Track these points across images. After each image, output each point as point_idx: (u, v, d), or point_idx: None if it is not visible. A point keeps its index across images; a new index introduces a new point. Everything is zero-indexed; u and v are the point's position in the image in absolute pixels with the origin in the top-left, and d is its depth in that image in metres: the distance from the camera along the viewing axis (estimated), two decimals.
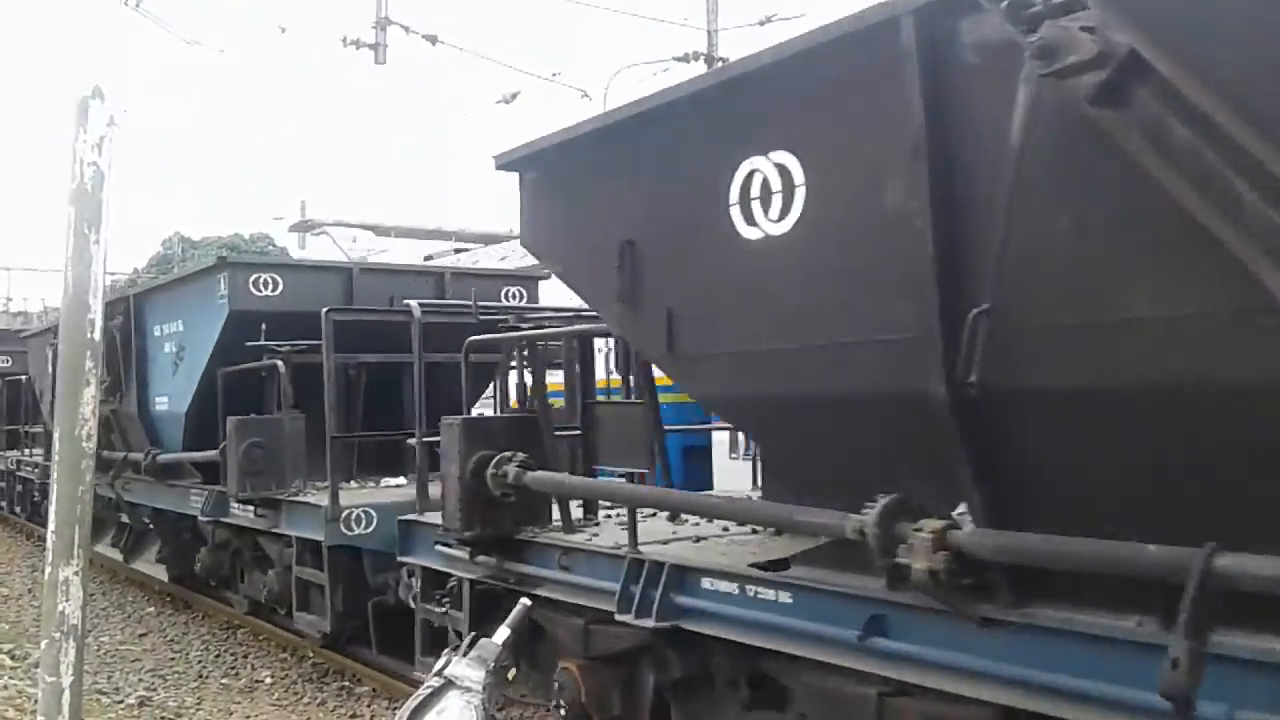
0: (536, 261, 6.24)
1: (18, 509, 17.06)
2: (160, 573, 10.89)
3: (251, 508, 8.14)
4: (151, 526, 10.86)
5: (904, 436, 3.38)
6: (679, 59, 16.52)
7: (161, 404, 9.82)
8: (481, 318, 6.83)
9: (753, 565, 4.20)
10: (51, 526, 5.07)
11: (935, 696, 3.41)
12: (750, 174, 3.67)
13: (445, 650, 5.03)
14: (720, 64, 15.41)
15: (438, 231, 33.95)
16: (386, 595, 6.97)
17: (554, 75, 17.47)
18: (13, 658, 8.67)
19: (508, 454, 5.16)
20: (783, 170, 3.56)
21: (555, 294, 8.65)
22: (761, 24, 17.33)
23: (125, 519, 11.51)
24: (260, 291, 8.38)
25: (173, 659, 8.82)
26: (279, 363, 7.92)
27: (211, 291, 8.61)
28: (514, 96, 17.60)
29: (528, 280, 9.78)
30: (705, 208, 3.87)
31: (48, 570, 5.06)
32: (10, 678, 7.98)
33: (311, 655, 8.29)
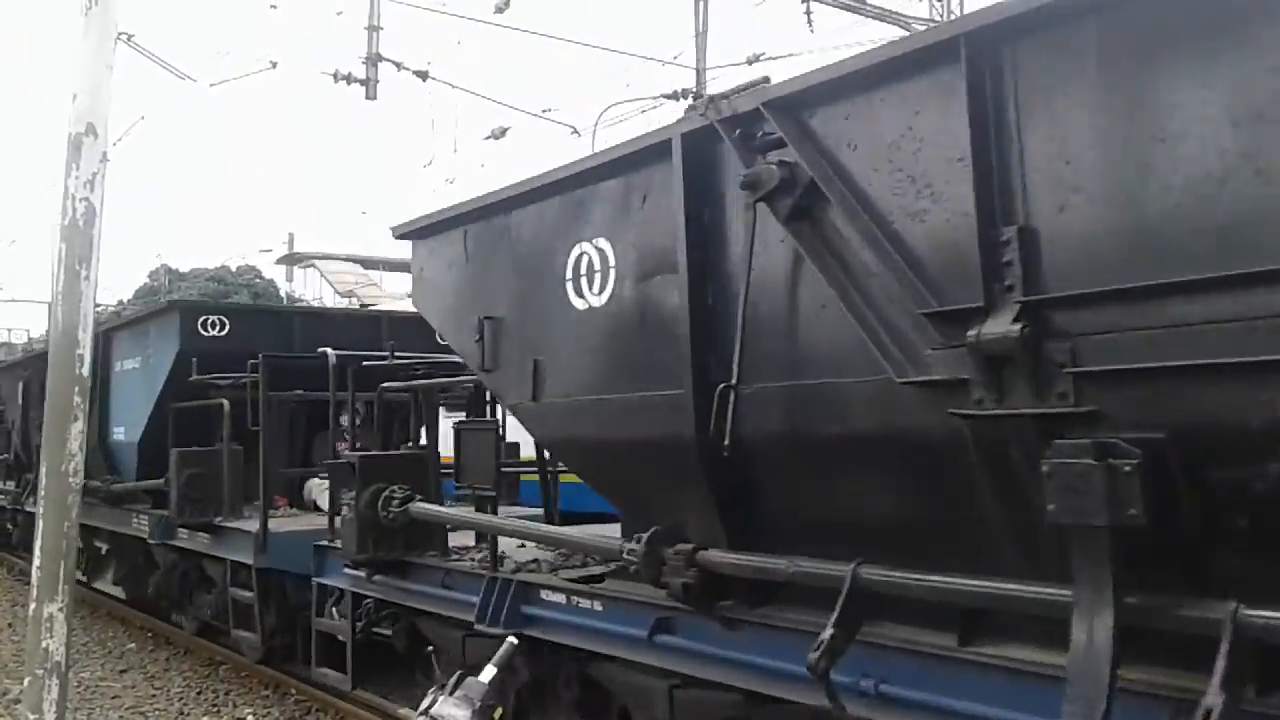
0: None
1: None
2: (119, 594, 11.72)
3: (193, 532, 8.95)
4: (107, 550, 11.66)
5: (672, 474, 4.13)
6: (668, 96, 16.62)
7: (119, 434, 10.66)
8: (397, 364, 7.73)
9: (577, 580, 5.04)
10: (36, 562, 5.05)
11: (704, 685, 4.20)
12: (580, 255, 4.52)
13: (431, 689, 5.00)
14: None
15: None
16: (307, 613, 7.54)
17: (544, 111, 17.54)
18: None
19: (395, 486, 6.02)
20: (601, 253, 4.41)
21: None
22: (749, 62, 17.49)
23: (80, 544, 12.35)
24: (208, 332, 9.28)
25: (153, 695, 8.73)
26: (224, 401, 8.58)
27: (165, 330, 9.53)
28: (504, 132, 17.66)
29: None
30: (548, 283, 4.68)
31: (32, 606, 5.03)
32: None
33: (294, 693, 8.22)
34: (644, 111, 17.10)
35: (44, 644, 4.96)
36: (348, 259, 35.52)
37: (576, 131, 17.89)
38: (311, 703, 7.96)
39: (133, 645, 10.72)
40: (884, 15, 17.62)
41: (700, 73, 16.48)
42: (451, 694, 4.71)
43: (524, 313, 4.89)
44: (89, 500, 10.73)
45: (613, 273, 4.30)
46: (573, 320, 4.52)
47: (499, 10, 15.46)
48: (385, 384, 7.21)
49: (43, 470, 5.09)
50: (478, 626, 5.22)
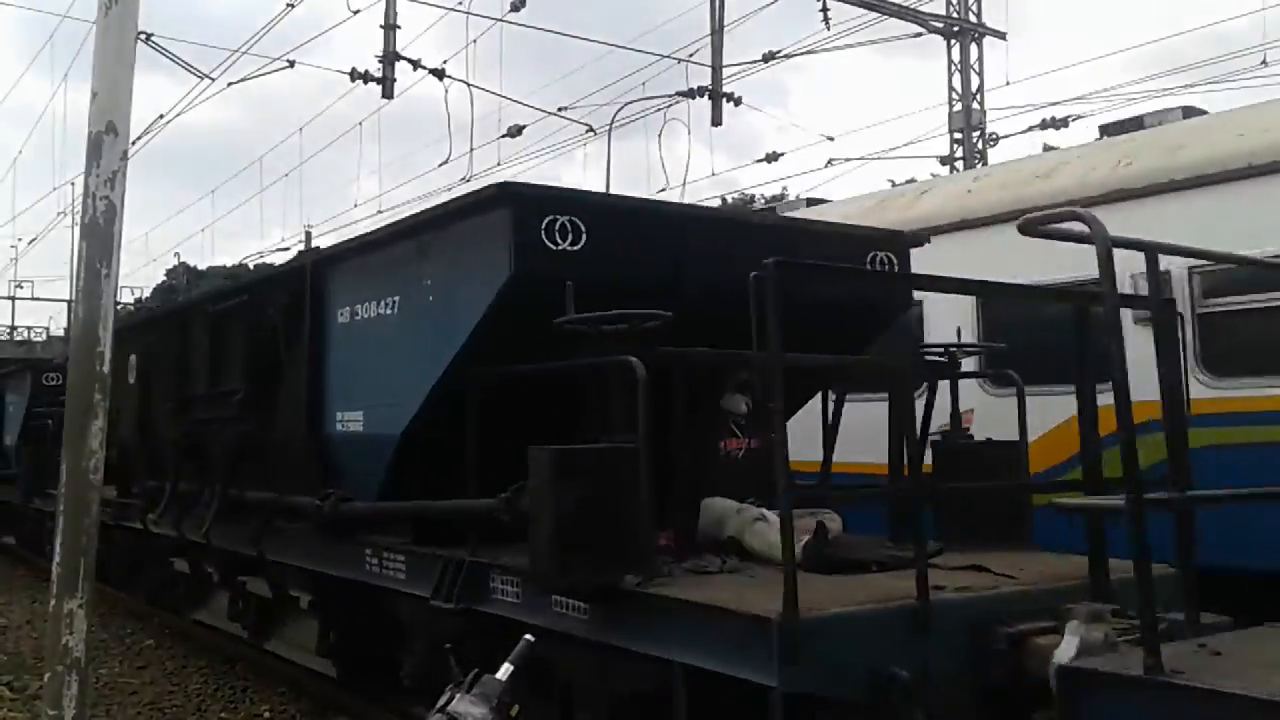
0: None
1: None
2: (325, 668, 7.72)
3: (565, 601, 4.76)
4: (310, 603, 7.56)
5: None
6: (684, 94, 16.62)
7: (352, 423, 6.56)
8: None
9: None
10: (56, 559, 5.07)
11: None
12: None
13: (448, 686, 5.00)
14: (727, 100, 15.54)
15: None
16: None
17: (559, 110, 17.57)
18: (12, 689, 8.63)
19: None
20: None
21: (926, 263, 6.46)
22: (765, 60, 17.50)
23: (249, 586, 8.58)
24: (558, 244, 5.26)
25: (172, 692, 8.77)
26: (633, 360, 4.55)
27: (475, 244, 5.54)
28: (520, 130, 17.71)
29: (897, 244, 6.58)
30: None
31: (52, 603, 5.05)
32: (10, 710, 7.95)
33: (311, 691, 8.24)
34: (660, 109, 17.09)
35: (64, 640, 4.97)
36: None
37: (593, 130, 17.91)
38: (329, 700, 7.98)
39: (151, 642, 10.78)
40: (901, 12, 17.57)
41: (716, 70, 16.45)
42: (469, 691, 4.70)
43: None
44: (280, 525, 7.31)
45: None
46: None
47: (515, 9, 15.49)
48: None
49: (63, 468, 5.11)
50: None
